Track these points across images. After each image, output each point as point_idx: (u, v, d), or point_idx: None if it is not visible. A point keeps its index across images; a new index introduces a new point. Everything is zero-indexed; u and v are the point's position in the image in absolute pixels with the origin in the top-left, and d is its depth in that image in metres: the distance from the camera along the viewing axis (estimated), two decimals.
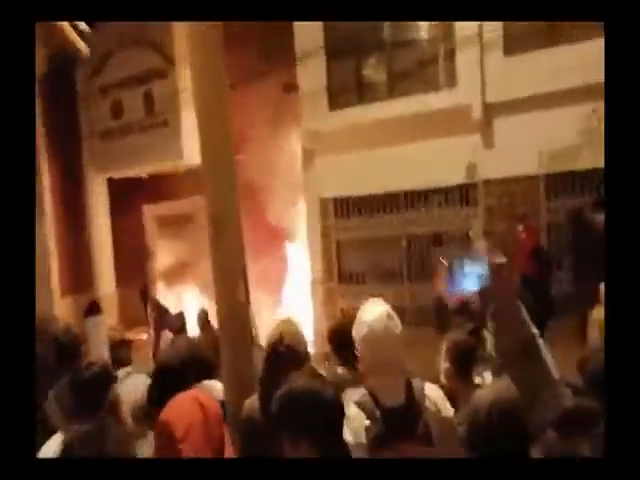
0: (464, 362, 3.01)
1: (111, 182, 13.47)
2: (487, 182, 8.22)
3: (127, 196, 13.28)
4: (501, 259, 2.09)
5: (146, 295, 10.79)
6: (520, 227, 7.50)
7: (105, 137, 12.94)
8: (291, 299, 10.10)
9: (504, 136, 7.97)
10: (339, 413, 1.87)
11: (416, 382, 2.33)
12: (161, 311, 9.77)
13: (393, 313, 2.32)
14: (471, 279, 2.17)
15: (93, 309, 8.33)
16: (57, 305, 11.75)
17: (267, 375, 2.66)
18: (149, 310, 10.36)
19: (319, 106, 9.21)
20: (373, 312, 2.31)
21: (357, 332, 2.33)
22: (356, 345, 2.34)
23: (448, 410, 2.40)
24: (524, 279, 6.56)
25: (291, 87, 9.98)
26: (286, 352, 2.65)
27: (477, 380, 3.06)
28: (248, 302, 3.08)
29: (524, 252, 7.15)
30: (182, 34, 10.92)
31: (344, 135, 8.93)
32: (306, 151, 9.49)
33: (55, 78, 11.47)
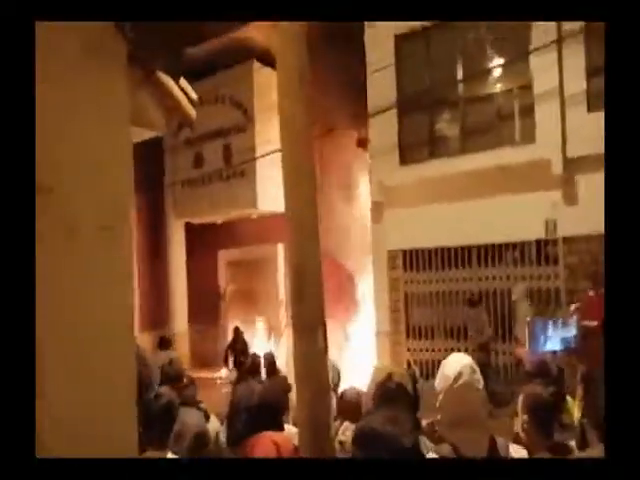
0: (543, 415, 2.86)
1: (188, 227, 14.04)
2: (567, 240, 7.87)
3: (203, 241, 13.77)
4: (592, 322, 2.03)
5: (238, 334, 11.04)
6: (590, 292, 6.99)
7: (186, 185, 13.62)
8: (356, 351, 9.95)
9: (586, 192, 7.64)
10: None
11: (500, 441, 2.31)
12: (246, 352, 10.00)
13: (476, 367, 2.34)
14: (557, 340, 2.12)
15: (164, 343, 8.73)
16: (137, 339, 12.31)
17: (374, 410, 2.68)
18: (232, 349, 10.57)
19: (390, 160, 9.25)
20: (457, 365, 2.32)
21: (440, 385, 2.34)
22: (439, 397, 2.34)
23: None
24: None
25: (364, 142, 10.14)
26: (395, 389, 2.75)
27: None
28: (326, 350, 3.19)
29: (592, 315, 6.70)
30: (262, 91, 11.60)
31: (415, 189, 8.90)
32: (375, 204, 9.50)
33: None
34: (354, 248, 10.31)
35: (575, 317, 5.77)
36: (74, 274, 1.64)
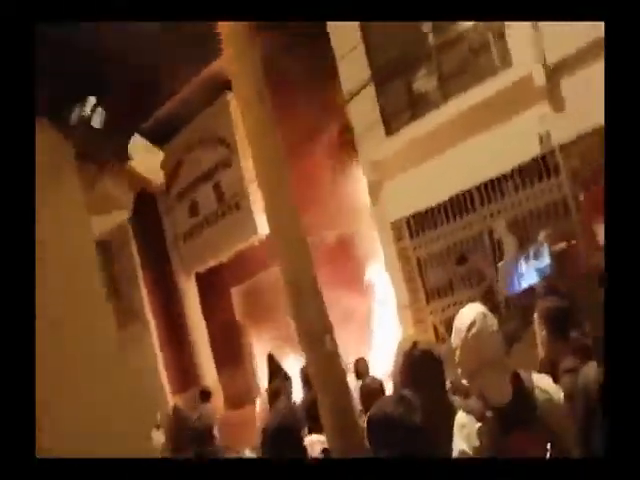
0: (559, 322, 3.03)
1: (198, 277, 13.89)
2: (563, 147, 7.49)
3: (214, 285, 13.57)
4: (561, 245, 1.93)
5: (273, 361, 10.68)
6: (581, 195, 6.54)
7: (187, 237, 13.55)
8: (380, 330, 9.54)
9: (572, 93, 7.33)
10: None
11: (523, 374, 2.34)
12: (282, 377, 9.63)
13: (488, 312, 2.37)
14: (532, 274, 2.09)
15: (204, 396, 8.64)
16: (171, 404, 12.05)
17: (404, 380, 2.79)
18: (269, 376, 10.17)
19: (376, 135, 9.14)
20: (468, 315, 2.36)
21: (455, 339, 2.38)
22: (456, 353, 2.37)
23: (560, 395, 2.39)
24: None
25: (345, 129, 10.00)
26: (421, 355, 2.80)
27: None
28: (337, 353, 3.28)
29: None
30: (239, 120, 11.63)
31: (405, 154, 8.69)
32: (371, 182, 9.30)
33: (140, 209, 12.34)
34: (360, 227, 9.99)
35: (545, 244, 5.60)
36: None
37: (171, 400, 12.45)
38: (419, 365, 2.76)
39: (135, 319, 13.08)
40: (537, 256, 5.84)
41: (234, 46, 3.03)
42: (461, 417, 2.28)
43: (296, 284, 3.19)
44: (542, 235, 6.44)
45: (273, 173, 3.19)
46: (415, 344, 2.86)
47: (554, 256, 5.80)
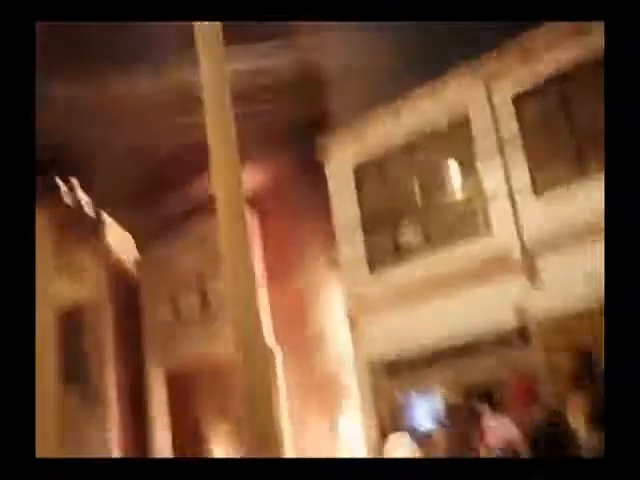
0: None
1: (168, 372, 13.69)
2: (540, 323, 7.90)
3: (184, 385, 13.33)
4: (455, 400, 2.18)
5: None
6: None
7: (165, 334, 13.48)
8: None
9: (549, 274, 7.85)
10: None
11: None
12: None
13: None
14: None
15: None
16: None
17: None
18: None
19: (359, 271, 9.56)
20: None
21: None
22: None
23: None
24: None
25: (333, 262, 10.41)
26: None
27: None
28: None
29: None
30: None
31: (386, 296, 9.07)
32: (350, 314, 9.58)
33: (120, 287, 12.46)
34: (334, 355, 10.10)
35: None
36: None
37: None
38: None
39: (98, 402, 12.82)
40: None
41: (217, 172, 2.97)
42: None
43: (252, 396, 2.95)
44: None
45: (242, 293, 3.02)
46: None
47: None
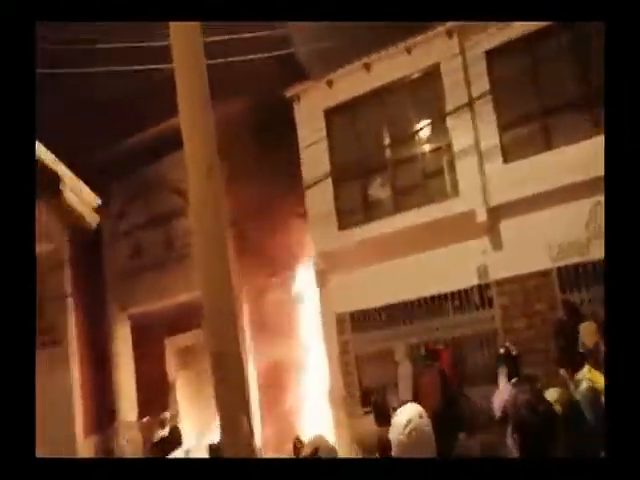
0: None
1: (133, 316, 13.74)
2: (500, 282, 8.24)
3: (149, 329, 13.45)
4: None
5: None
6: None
7: (126, 276, 13.43)
8: (311, 420, 9.75)
9: (510, 237, 8.14)
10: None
11: None
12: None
13: (424, 413, 2.55)
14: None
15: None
16: (80, 446, 11.89)
17: None
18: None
19: (329, 227, 9.62)
20: (406, 414, 2.54)
21: (393, 434, 2.53)
22: (393, 448, 2.52)
23: None
24: None
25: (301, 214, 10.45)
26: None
27: None
28: (252, 434, 3.21)
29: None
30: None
31: (354, 252, 9.20)
32: (319, 271, 9.70)
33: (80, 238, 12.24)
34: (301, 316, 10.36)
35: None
36: None
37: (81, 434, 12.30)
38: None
39: (56, 342, 12.89)
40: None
41: (189, 110, 2.95)
42: None
43: (219, 356, 3.01)
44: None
45: (211, 245, 3.10)
46: (316, 450, 2.97)
47: None
